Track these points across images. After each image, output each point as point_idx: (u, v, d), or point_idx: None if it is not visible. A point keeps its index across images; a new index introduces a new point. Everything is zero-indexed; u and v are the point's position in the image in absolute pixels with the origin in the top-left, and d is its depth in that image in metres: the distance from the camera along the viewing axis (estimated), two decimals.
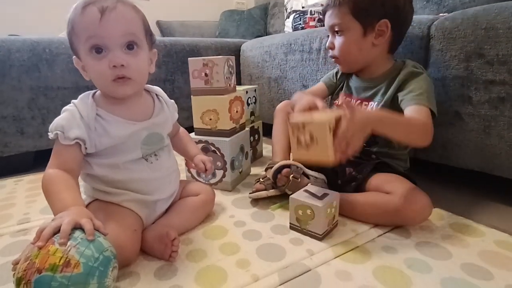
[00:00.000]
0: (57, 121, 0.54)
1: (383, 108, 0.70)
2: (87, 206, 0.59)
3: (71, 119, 0.53)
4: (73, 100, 0.57)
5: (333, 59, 0.79)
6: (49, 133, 0.54)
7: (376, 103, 0.74)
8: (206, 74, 0.83)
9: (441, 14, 1.05)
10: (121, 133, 0.57)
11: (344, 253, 0.57)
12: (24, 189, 0.93)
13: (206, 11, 2.43)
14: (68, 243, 0.39)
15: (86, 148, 0.55)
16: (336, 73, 0.88)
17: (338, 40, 0.75)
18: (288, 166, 0.74)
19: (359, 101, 0.79)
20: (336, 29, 0.74)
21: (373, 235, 0.63)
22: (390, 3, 0.69)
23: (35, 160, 1.14)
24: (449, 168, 0.82)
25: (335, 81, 0.88)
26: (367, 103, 0.77)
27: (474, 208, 0.74)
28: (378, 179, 0.70)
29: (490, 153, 0.71)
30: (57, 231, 0.41)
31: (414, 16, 0.83)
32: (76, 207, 0.46)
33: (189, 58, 0.85)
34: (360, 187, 0.73)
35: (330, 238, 0.62)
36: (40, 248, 0.39)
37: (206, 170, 0.72)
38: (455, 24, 0.72)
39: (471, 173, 0.78)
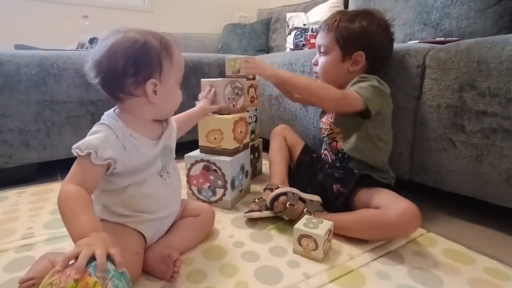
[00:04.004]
0: (91, 140, 0.53)
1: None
2: None
3: (105, 140, 0.54)
4: (103, 121, 0.58)
5: (314, 74, 0.90)
6: (77, 150, 0.52)
7: (332, 114, 0.87)
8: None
9: (437, 39, 1.09)
10: (151, 153, 0.60)
11: (339, 277, 0.59)
12: (27, 201, 0.95)
13: (209, 24, 2.48)
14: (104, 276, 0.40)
15: (115, 168, 0.55)
16: None
17: (321, 59, 0.86)
18: (285, 193, 0.76)
19: (330, 115, 0.88)
20: (321, 50, 0.85)
21: (368, 259, 0.65)
22: (367, 39, 0.79)
23: (38, 172, 1.16)
24: (443, 192, 0.84)
25: None
26: (330, 114, 0.88)
27: (467, 234, 0.76)
28: (365, 195, 0.73)
29: (482, 180, 0.73)
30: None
31: (410, 44, 0.87)
32: (98, 235, 0.46)
33: (201, 80, 0.94)
34: (348, 202, 0.76)
35: (326, 261, 0.64)
36: (76, 280, 0.38)
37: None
38: (449, 56, 0.75)
39: (465, 198, 0.81)
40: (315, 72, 0.89)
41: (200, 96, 0.92)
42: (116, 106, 0.62)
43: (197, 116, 0.86)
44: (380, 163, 0.81)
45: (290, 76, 0.83)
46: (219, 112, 0.90)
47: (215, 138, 0.89)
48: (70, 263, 0.40)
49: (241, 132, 0.92)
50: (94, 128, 0.57)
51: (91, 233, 0.45)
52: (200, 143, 0.92)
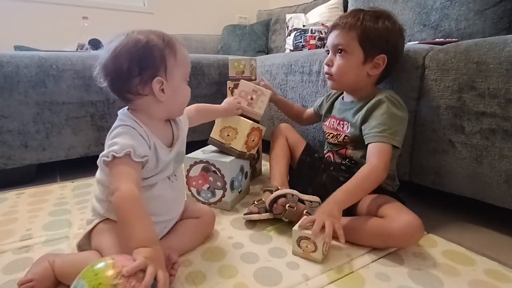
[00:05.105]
0: (123, 141, 0.54)
1: (337, 191, 0.70)
2: (95, 226, 0.60)
3: (135, 139, 0.56)
4: (124, 122, 0.58)
5: (326, 75, 0.83)
6: (113, 153, 0.52)
7: (349, 123, 0.81)
8: (252, 98, 0.97)
9: (437, 40, 1.09)
10: (166, 158, 0.61)
11: (339, 278, 0.59)
12: (26, 202, 0.95)
13: (209, 25, 2.48)
14: None
15: (147, 166, 0.57)
16: (327, 96, 0.96)
17: (338, 60, 0.79)
18: (284, 195, 0.76)
19: (338, 121, 0.85)
20: (340, 49, 0.77)
21: (367, 260, 0.65)
22: (391, 42, 0.75)
23: (37, 173, 1.16)
24: (443, 193, 0.84)
25: (324, 104, 0.95)
26: (343, 122, 0.83)
27: (467, 235, 0.76)
28: (369, 202, 0.73)
29: (482, 181, 0.73)
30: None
31: (411, 45, 0.87)
32: (158, 249, 0.49)
33: (242, 80, 0.99)
34: (351, 207, 0.75)
35: (326, 263, 0.64)
36: None
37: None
38: (449, 57, 0.75)
39: (465, 199, 0.80)
40: (327, 73, 0.82)
41: (233, 96, 0.97)
42: (126, 106, 0.62)
43: (218, 114, 0.91)
44: (389, 170, 0.79)
45: (349, 197, 0.69)
46: (243, 115, 0.95)
47: (228, 135, 0.91)
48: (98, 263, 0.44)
49: (253, 140, 0.95)
50: (118, 130, 0.57)
51: (152, 245, 0.47)
52: (211, 135, 0.94)
